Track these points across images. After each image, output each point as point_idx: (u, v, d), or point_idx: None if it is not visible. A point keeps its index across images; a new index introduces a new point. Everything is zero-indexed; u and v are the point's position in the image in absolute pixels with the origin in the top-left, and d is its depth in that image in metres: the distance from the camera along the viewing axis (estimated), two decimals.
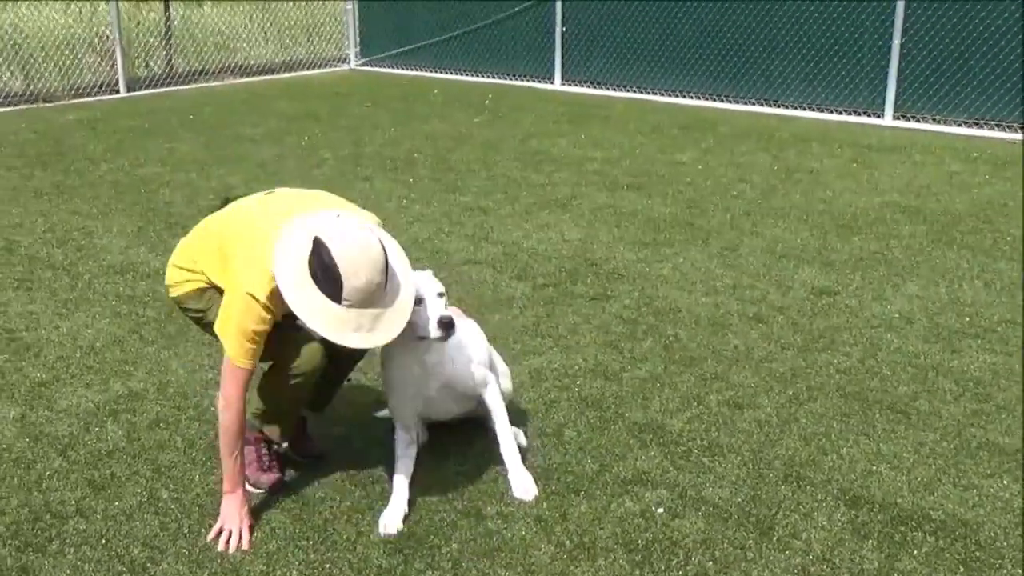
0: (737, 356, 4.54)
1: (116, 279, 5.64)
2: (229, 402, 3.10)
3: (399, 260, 3.13)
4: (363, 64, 14.15)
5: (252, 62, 14.39)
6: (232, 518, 3.17)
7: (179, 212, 6.97)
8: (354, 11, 14.18)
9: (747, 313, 5.04)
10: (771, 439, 3.79)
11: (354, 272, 2.89)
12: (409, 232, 6.42)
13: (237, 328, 3.05)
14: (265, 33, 14.91)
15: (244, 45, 14.85)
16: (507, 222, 6.64)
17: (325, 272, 2.91)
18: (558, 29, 12.00)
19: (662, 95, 11.30)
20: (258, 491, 3.44)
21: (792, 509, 3.31)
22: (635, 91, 11.52)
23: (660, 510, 3.32)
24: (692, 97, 11.10)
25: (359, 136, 9.39)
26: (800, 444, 3.74)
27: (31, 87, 12.42)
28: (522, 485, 3.44)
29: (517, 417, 3.93)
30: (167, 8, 14.54)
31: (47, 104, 11.82)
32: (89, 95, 12.25)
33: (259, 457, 3.49)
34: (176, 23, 14.79)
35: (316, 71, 14.03)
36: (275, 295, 3.01)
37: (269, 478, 3.46)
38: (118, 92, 12.36)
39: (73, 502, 3.39)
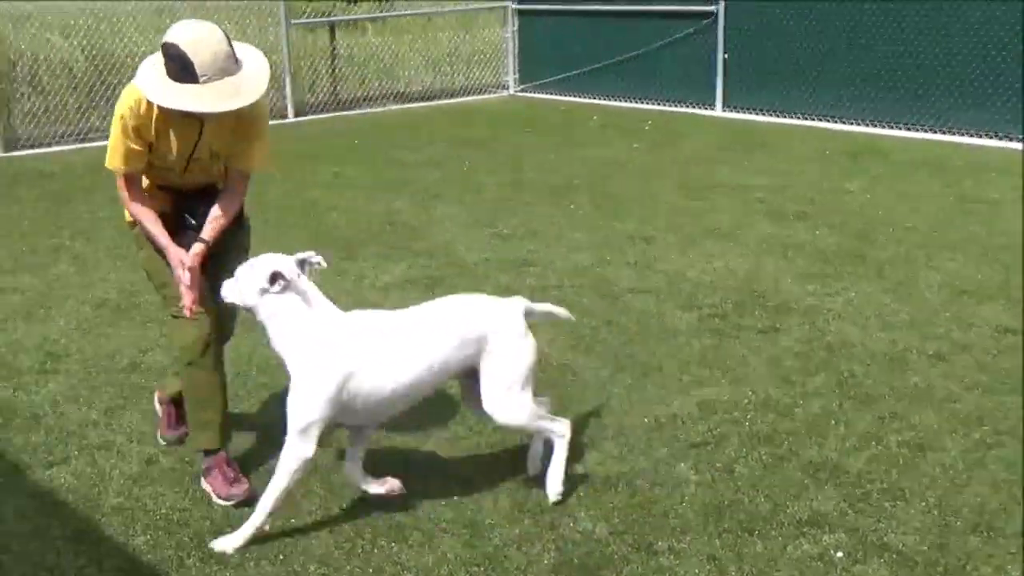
0: (917, 395, 4.35)
1: None
2: (122, 201, 3.61)
3: (247, 48, 3.45)
4: (522, 90, 14.27)
5: (413, 89, 14.70)
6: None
7: (345, 236, 7.13)
8: (513, 38, 14.32)
9: (927, 350, 4.82)
10: (957, 484, 3.59)
11: (198, 50, 3.22)
12: (571, 259, 6.41)
13: (110, 142, 3.49)
14: (425, 60, 15.21)
15: (405, 72, 15.19)
16: (670, 251, 6.56)
17: (175, 62, 3.25)
18: (720, 55, 11.84)
19: (828, 121, 11.01)
20: (229, 503, 3.53)
21: (983, 561, 3.13)
22: (800, 117, 11.25)
23: (839, 554, 3.18)
24: (859, 124, 10.77)
25: (518, 162, 9.45)
26: (989, 491, 3.54)
27: None
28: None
29: (680, 451, 3.86)
30: (333, 36, 15.01)
31: None
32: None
33: (223, 472, 3.60)
34: (341, 51, 15.26)
35: (475, 97, 14.23)
36: (139, 106, 3.40)
37: (239, 489, 3.56)
38: (286, 117, 12.80)
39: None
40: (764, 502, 3.51)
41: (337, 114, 13.22)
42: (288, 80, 12.78)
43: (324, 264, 3.46)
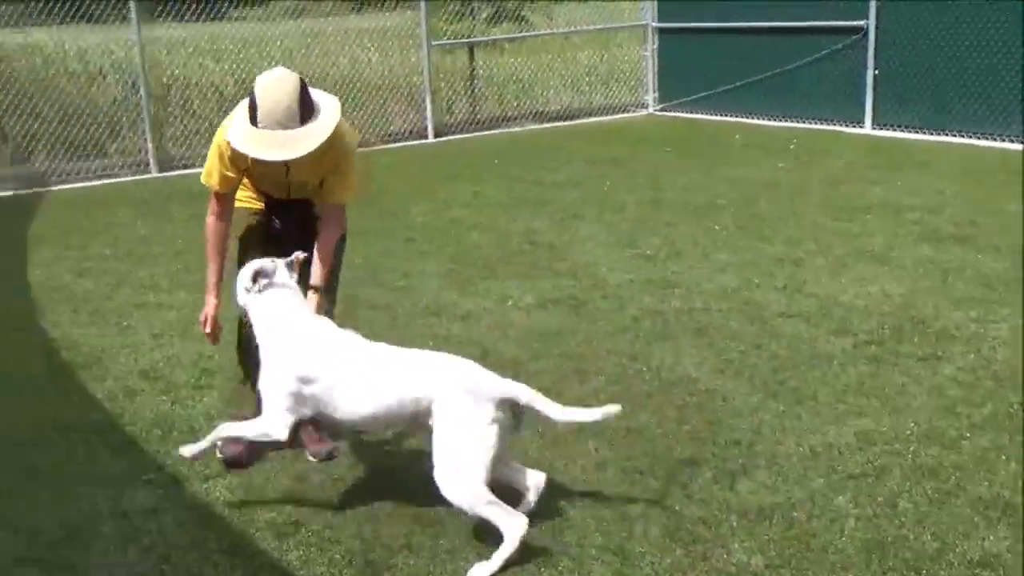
0: None
1: (431, 320, 5.84)
2: (208, 212, 3.94)
3: (327, 104, 3.67)
4: (661, 109, 14.14)
5: (550, 108, 14.74)
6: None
7: (487, 255, 7.15)
8: (653, 57, 14.20)
9: None
10: None
11: (264, 98, 3.51)
12: (716, 281, 6.27)
13: (207, 163, 3.85)
14: (563, 79, 15.24)
15: (543, 92, 15.25)
16: (820, 274, 6.35)
17: (250, 104, 3.57)
18: (870, 71, 11.48)
19: (986, 139, 10.54)
20: (318, 459, 4.04)
21: None
22: (955, 135, 10.81)
23: None
24: (1020, 141, 10.26)
25: (659, 181, 9.34)
26: None
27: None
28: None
29: (838, 483, 3.71)
30: (472, 56, 15.18)
31: (361, 149, 12.53)
32: (399, 140, 12.92)
33: (310, 435, 4.07)
34: (480, 71, 15.42)
35: (614, 116, 14.16)
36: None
37: (327, 446, 4.08)
38: (426, 138, 12.97)
39: (402, 537, 3.47)
40: (931, 540, 3.33)
41: (476, 134, 13.33)
42: (428, 101, 12.95)
43: (301, 255, 3.79)
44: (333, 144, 3.65)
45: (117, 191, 10.55)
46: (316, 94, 3.69)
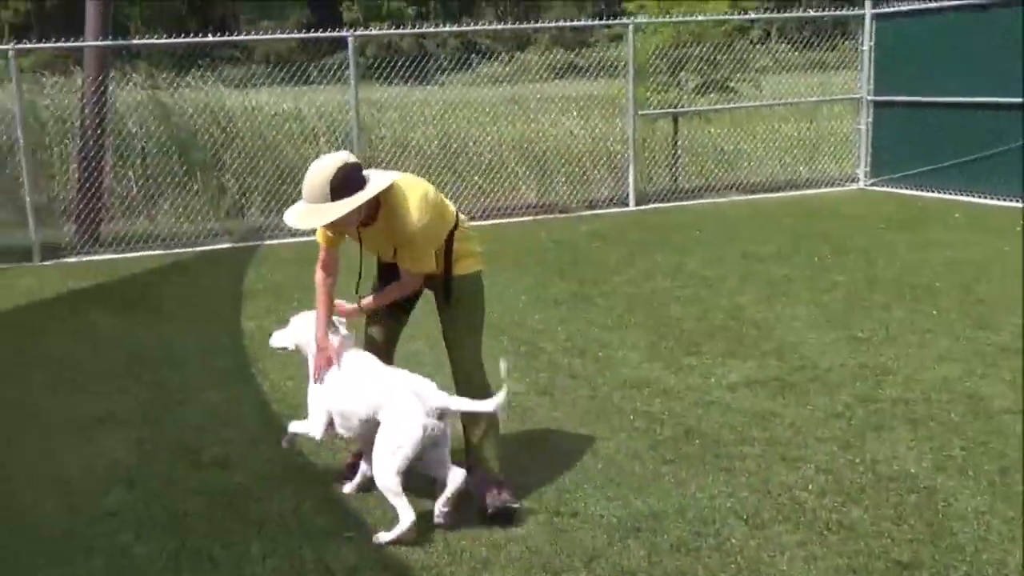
0: None
1: (632, 393, 5.73)
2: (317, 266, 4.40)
3: (370, 186, 3.98)
4: (873, 184, 13.63)
5: (753, 179, 14.48)
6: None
7: (690, 328, 7.00)
8: (867, 130, 13.74)
9: None
10: None
11: (308, 175, 3.97)
12: (935, 370, 5.91)
13: None
14: (768, 151, 14.98)
15: (747, 163, 15.03)
16: None
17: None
18: None
19: None
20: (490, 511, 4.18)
21: None
22: None
23: None
24: None
25: (872, 260, 8.95)
26: None
27: (543, 198, 13.43)
28: None
29: None
30: (676, 125, 15.12)
31: (562, 215, 12.65)
32: (600, 207, 12.94)
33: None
34: (683, 140, 15.34)
35: (821, 189, 13.76)
36: None
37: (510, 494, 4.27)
38: (627, 205, 12.94)
39: None
40: None
41: (677, 203, 13.22)
42: (631, 169, 12.94)
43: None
44: (392, 223, 4.09)
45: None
46: (376, 176, 4.06)
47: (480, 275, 4.45)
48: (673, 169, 14.86)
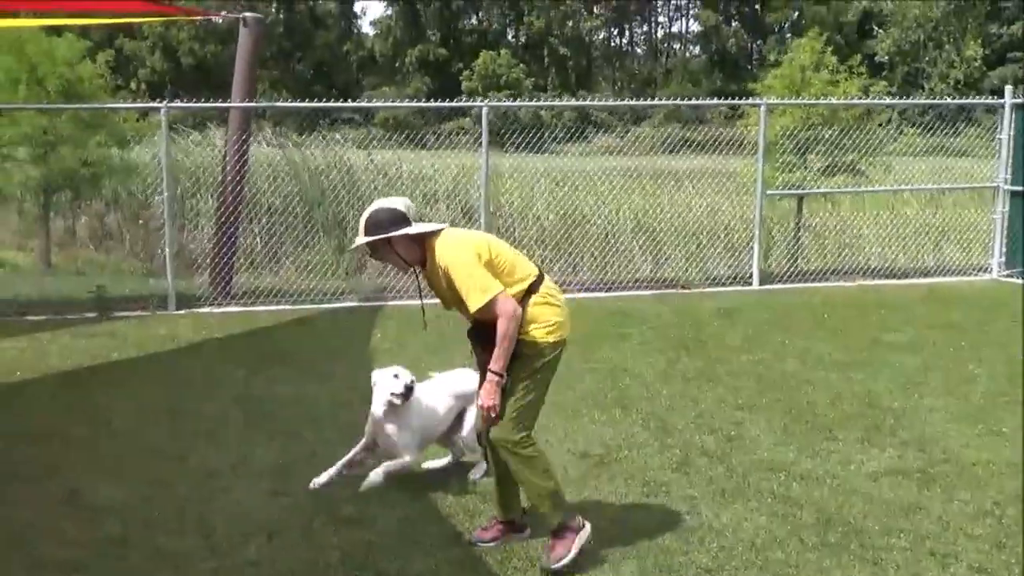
0: None
1: (768, 476, 5.62)
2: None
3: (401, 223, 4.43)
4: (1008, 275, 13.20)
5: (876, 264, 14.21)
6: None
7: (823, 414, 6.85)
8: (1002, 219, 13.35)
9: None
10: None
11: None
12: None
13: None
14: (891, 235, 14.73)
15: (869, 246, 14.78)
16: None
17: None
18: None
19: None
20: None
21: None
22: None
23: None
24: None
25: (1012, 355, 8.62)
26: None
27: (659, 272, 13.40)
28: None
29: None
30: (800, 206, 14.99)
31: (683, 290, 12.57)
32: (722, 284, 12.84)
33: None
34: (806, 221, 15.19)
35: (948, 278, 13.39)
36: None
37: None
38: (750, 284, 12.81)
39: None
40: None
41: (799, 285, 13.00)
42: (756, 248, 12.82)
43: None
44: (433, 261, 4.42)
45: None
46: (421, 225, 4.47)
47: (550, 345, 4.40)
48: (794, 249, 14.71)
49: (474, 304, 4.27)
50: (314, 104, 12.72)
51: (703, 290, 12.59)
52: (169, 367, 8.53)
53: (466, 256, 4.28)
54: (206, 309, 11.11)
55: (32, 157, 14.43)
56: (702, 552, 4.60)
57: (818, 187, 14.61)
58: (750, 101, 13.75)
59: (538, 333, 4.36)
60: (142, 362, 8.70)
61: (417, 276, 4.68)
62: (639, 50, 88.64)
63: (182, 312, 10.93)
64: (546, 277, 4.49)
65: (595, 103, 16.77)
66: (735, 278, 13.10)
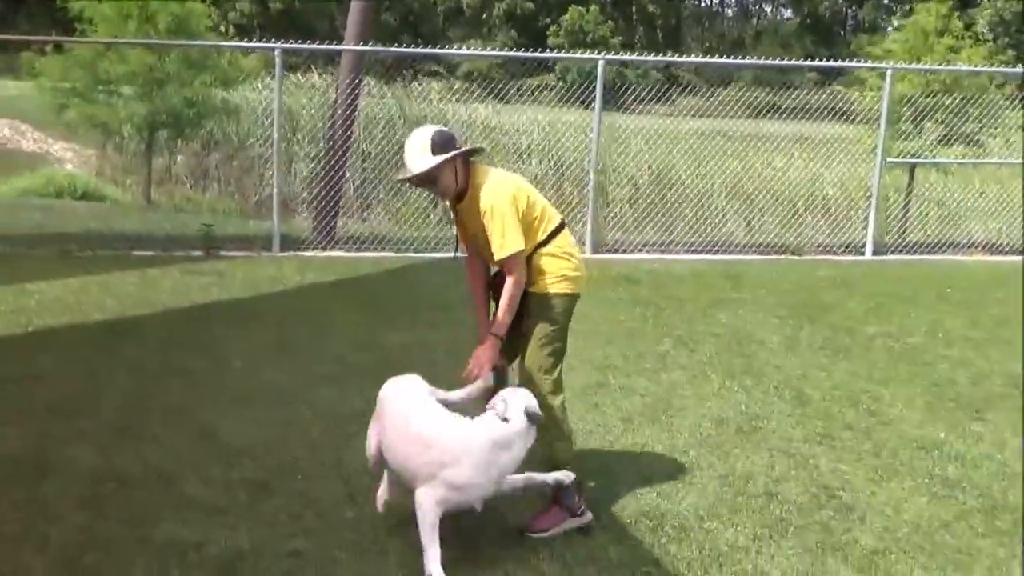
0: None
1: (921, 455, 5.34)
2: None
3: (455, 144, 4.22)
4: None
5: (991, 238, 13.67)
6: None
7: (967, 392, 6.52)
8: None
9: None
10: None
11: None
12: None
13: None
14: (1012, 210, 14.17)
15: (985, 220, 14.24)
16: None
17: None
18: None
19: None
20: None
21: None
22: None
23: None
24: None
25: None
26: None
27: (753, 238, 13.05)
28: None
29: None
30: (912, 176, 14.45)
31: (794, 256, 12.20)
32: (833, 252, 12.44)
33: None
34: (920, 192, 14.66)
35: None
36: None
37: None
38: (863, 254, 12.39)
39: None
40: None
41: (914, 256, 12.55)
42: (872, 216, 12.37)
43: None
44: (474, 198, 4.26)
45: None
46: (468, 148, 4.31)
47: (556, 297, 4.33)
48: (902, 220, 14.24)
49: (499, 254, 4.21)
50: (425, 50, 12.57)
51: (813, 257, 12.21)
52: (281, 309, 8.44)
53: (506, 205, 4.19)
54: (310, 253, 11.03)
55: (138, 94, 14.49)
56: (865, 532, 4.36)
57: (934, 157, 14.06)
58: (878, 65, 13.21)
59: (553, 287, 4.33)
60: (254, 302, 8.62)
61: (452, 209, 4.52)
62: (729, 11, 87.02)
63: (286, 254, 10.87)
64: (566, 228, 4.43)
65: (718, 60, 16.24)
66: (845, 247, 12.69)
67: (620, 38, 69.87)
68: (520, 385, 4.27)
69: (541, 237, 4.31)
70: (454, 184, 4.26)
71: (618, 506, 4.53)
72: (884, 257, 12.37)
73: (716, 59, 17.60)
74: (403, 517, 4.04)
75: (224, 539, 4.05)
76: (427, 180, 4.26)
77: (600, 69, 11.45)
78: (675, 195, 14.06)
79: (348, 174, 12.61)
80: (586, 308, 8.42)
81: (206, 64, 14.62)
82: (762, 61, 15.78)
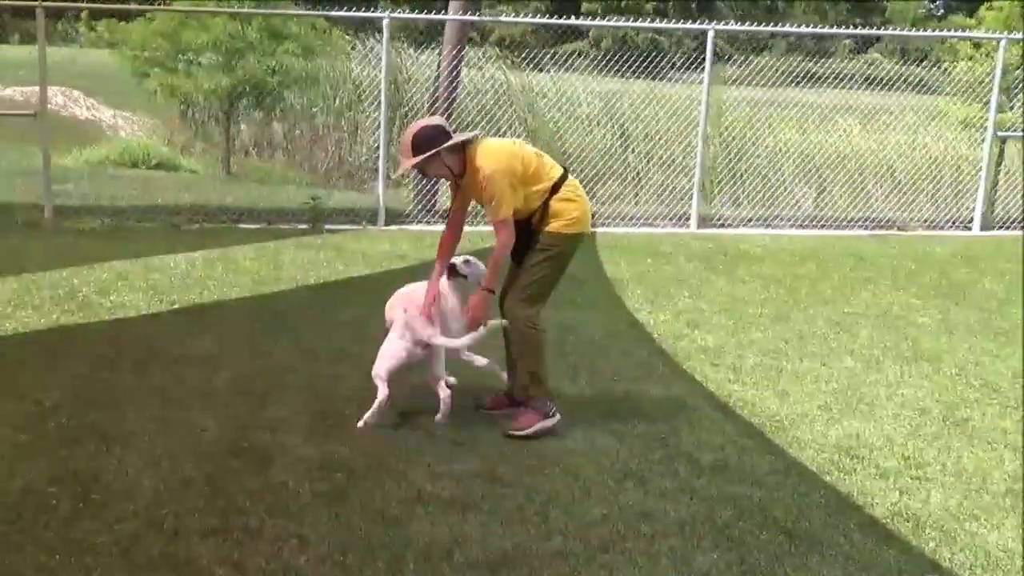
0: None
1: None
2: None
3: (445, 136, 4.80)
4: None
5: None
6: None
7: None
8: None
9: None
10: None
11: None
12: None
13: None
14: None
15: None
16: None
17: None
18: None
19: None
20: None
21: None
22: None
23: None
24: None
25: None
26: None
27: (878, 214, 12.80)
28: None
29: None
30: (1002, 152, 14.10)
31: (901, 232, 11.97)
32: (939, 228, 12.21)
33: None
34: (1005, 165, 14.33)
35: None
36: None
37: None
38: (970, 229, 12.14)
39: None
40: None
41: (1020, 233, 12.28)
42: (981, 190, 12.11)
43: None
44: (473, 171, 4.81)
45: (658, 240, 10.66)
46: (461, 135, 4.90)
47: (567, 237, 4.91)
48: (992, 195, 13.95)
49: (494, 215, 4.78)
50: (542, 20, 12.31)
51: (921, 233, 11.97)
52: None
53: (500, 174, 4.73)
54: (416, 227, 10.87)
55: (219, 64, 14.30)
56: None
57: None
58: (989, 35, 12.87)
59: (558, 225, 4.87)
60: (382, 278, 8.45)
61: (456, 185, 5.04)
62: None
63: (393, 228, 10.72)
64: (569, 175, 4.95)
65: (827, 31, 15.90)
66: (952, 222, 12.45)
67: (653, 3, 69.13)
68: (505, 302, 5.02)
69: (548, 184, 4.86)
70: (447, 172, 4.90)
71: (867, 502, 4.35)
72: (993, 232, 12.12)
73: (819, 28, 17.14)
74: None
75: (482, 537, 3.89)
76: (420, 171, 4.97)
77: (709, 38, 11.20)
78: (772, 167, 13.82)
79: None
80: (725, 287, 8.34)
81: (286, 34, 14.38)
82: (867, 31, 15.39)
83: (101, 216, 10.43)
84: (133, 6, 14.90)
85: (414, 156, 4.76)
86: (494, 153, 4.83)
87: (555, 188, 4.88)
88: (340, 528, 3.94)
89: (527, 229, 4.92)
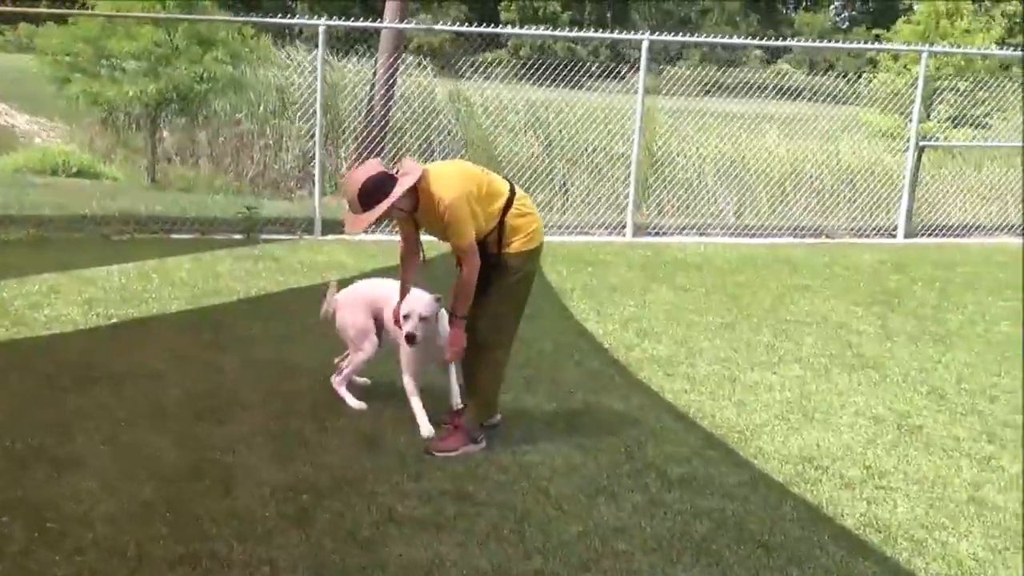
0: None
1: None
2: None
3: (395, 189, 4.57)
4: None
5: (1009, 220, 13.84)
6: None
7: None
8: None
9: None
10: None
11: (345, 185, 4.79)
12: None
13: None
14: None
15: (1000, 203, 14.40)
16: None
17: None
18: None
19: None
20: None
21: None
22: None
23: None
24: None
25: None
26: None
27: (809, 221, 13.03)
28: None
29: None
30: (919, 160, 14.48)
31: (829, 240, 12.20)
32: (866, 236, 12.47)
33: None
34: (923, 174, 14.72)
35: None
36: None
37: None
38: (895, 237, 12.42)
39: None
40: None
41: (944, 240, 12.62)
42: (905, 199, 12.42)
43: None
44: (429, 203, 4.64)
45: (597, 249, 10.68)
46: (408, 168, 4.67)
47: (530, 253, 4.86)
48: (910, 203, 14.31)
49: (459, 240, 4.64)
50: (473, 29, 12.22)
51: (848, 240, 12.21)
52: None
53: (462, 200, 4.61)
54: (353, 237, 10.69)
55: (145, 70, 13.96)
56: None
57: (946, 139, 14.10)
58: (912, 47, 13.20)
59: (519, 243, 4.81)
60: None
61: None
62: None
63: (330, 237, 10.55)
64: (517, 189, 4.87)
65: (793, 43, 16.09)
66: (876, 230, 12.73)
67: (570, 13, 69.68)
68: (469, 323, 4.79)
69: (502, 201, 4.77)
70: (403, 211, 4.71)
71: (837, 513, 4.39)
72: (916, 240, 12.41)
73: (759, 40, 17.42)
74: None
75: (460, 558, 3.82)
76: (383, 218, 4.70)
77: (644, 48, 11.27)
78: (699, 175, 13.99)
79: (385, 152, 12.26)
80: (668, 296, 8.37)
81: (215, 41, 14.10)
82: (807, 43, 15.77)
83: (25, 226, 10.06)
84: (43, 8, 14.39)
85: (365, 212, 4.56)
86: (448, 179, 4.69)
87: (508, 204, 4.79)
88: (312, 552, 3.83)
89: (484, 252, 4.76)
